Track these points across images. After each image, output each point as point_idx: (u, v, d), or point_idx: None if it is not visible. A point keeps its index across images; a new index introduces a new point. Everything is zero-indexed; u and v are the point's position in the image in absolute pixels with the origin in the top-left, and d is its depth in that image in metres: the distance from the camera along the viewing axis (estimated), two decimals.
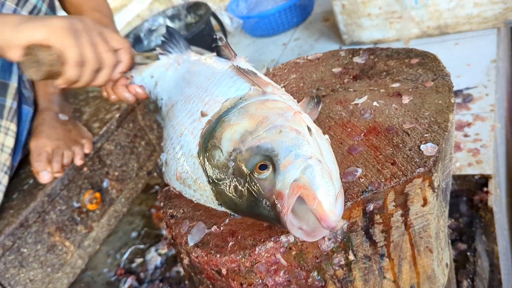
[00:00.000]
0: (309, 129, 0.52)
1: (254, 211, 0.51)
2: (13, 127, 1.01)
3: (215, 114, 0.58)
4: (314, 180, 0.47)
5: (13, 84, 1.01)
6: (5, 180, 0.98)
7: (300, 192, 0.46)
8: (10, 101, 1.00)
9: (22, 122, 1.06)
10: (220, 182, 0.53)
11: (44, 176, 1.00)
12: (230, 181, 0.52)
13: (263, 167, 0.49)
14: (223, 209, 0.55)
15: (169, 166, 0.62)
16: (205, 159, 0.55)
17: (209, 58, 0.72)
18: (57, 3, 1.13)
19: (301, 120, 0.53)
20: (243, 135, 0.53)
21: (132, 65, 0.76)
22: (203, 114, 0.60)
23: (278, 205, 0.47)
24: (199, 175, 0.56)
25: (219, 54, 0.70)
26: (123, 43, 0.71)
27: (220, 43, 0.68)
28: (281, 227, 0.49)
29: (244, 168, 0.51)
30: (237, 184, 0.51)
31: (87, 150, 1.07)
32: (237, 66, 0.64)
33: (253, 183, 0.50)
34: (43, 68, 0.62)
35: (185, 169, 0.58)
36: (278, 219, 0.47)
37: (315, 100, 0.65)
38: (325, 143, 0.52)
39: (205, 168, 0.55)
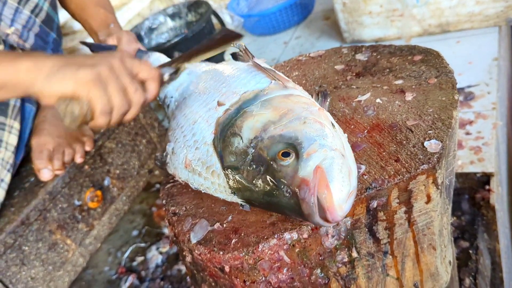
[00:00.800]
0: (333, 125, 0.52)
1: (271, 200, 0.50)
2: (16, 125, 1.01)
3: (234, 104, 0.58)
4: (331, 171, 0.46)
5: None
6: (7, 177, 0.98)
7: (320, 172, 0.46)
8: (13, 100, 1.00)
9: (25, 120, 1.06)
10: (236, 169, 0.52)
11: (45, 174, 1.00)
12: (248, 168, 0.51)
13: (285, 154, 0.49)
14: (234, 198, 0.55)
15: (176, 154, 0.62)
16: (222, 146, 0.54)
17: (228, 61, 0.73)
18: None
19: (325, 115, 0.53)
20: (265, 124, 0.52)
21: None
22: (219, 104, 0.60)
23: (302, 191, 0.46)
24: (213, 162, 0.55)
25: (236, 60, 0.72)
26: (151, 73, 0.68)
27: (239, 49, 0.69)
28: (298, 216, 0.49)
29: (265, 155, 0.50)
30: (255, 171, 0.51)
31: (88, 148, 1.06)
32: (256, 63, 0.63)
33: (274, 170, 0.49)
34: (77, 118, 0.63)
35: (196, 156, 0.58)
36: (298, 206, 0.47)
37: (322, 94, 0.64)
38: (346, 141, 0.52)
39: (221, 155, 0.54)
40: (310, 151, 0.48)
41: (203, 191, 0.59)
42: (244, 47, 0.69)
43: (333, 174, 0.46)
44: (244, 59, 0.69)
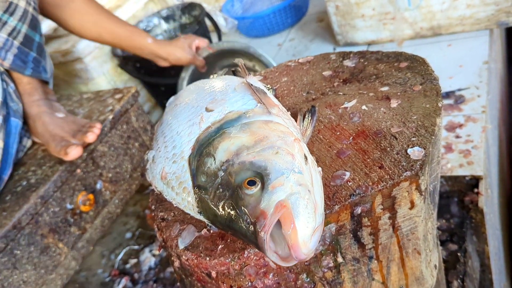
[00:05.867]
0: (305, 158, 0.52)
1: (232, 226, 0.50)
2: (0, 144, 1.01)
3: (216, 123, 0.58)
4: (297, 207, 0.46)
5: None
6: None
7: (283, 212, 0.46)
8: None
9: (12, 135, 1.06)
10: (205, 190, 0.53)
11: (72, 151, 1.02)
12: (215, 190, 0.51)
13: (251, 183, 0.49)
14: (201, 217, 0.55)
15: (156, 164, 0.62)
16: (196, 164, 0.55)
17: (224, 76, 0.75)
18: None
19: (300, 147, 0.53)
20: (239, 148, 0.52)
21: None
22: (208, 109, 0.60)
23: (258, 224, 0.46)
24: (186, 179, 0.56)
25: (235, 75, 0.73)
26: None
27: (238, 64, 0.70)
28: (256, 248, 0.49)
29: (232, 180, 0.50)
30: (222, 195, 0.51)
31: (98, 129, 1.09)
32: (248, 82, 0.64)
33: (238, 197, 0.49)
34: None
35: (172, 170, 0.58)
36: (255, 238, 0.47)
37: (310, 111, 0.64)
38: (317, 175, 0.52)
39: (194, 173, 0.55)
40: (275, 184, 0.48)
41: (174, 205, 0.60)
42: (242, 63, 0.70)
43: (299, 210, 0.46)
44: (241, 75, 0.70)
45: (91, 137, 1.06)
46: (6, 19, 1.00)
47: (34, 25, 1.07)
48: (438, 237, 0.81)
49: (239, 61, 0.70)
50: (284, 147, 0.52)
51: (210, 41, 1.99)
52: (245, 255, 0.54)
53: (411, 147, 0.57)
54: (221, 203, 0.51)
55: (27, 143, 1.15)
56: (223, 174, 0.52)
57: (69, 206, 1.06)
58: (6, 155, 1.04)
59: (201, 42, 1.47)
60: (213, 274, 0.56)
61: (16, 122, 1.06)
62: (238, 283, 0.56)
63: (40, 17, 1.15)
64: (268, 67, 1.46)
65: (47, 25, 1.84)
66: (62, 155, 1.02)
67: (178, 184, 0.57)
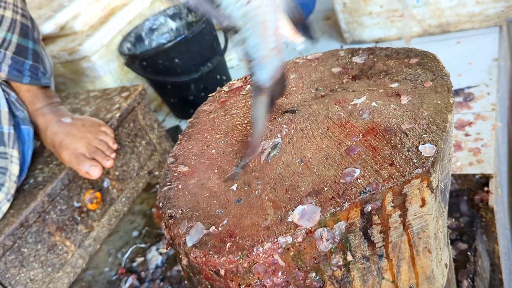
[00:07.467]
0: None
1: None
2: (15, 153, 1.01)
3: None
4: None
5: (4, 109, 1.01)
6: (5, 207, 0.98)
7: None
8: (6, 127, 1.00)
9: (26, 142, 1.06)
10: None
11: (94, 171, 1.02)
12: None
13: None
14: None
15: None
16: None
17: None
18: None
19: None
20: None
21: None
22: None
23: None
24: None
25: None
26: None
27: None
28: None
29: None
30: None
31: (114, 154, 1.09)
32: None
33: None
34: None
35: None
36: None
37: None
38: None
39: None
40: None
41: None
42: None
43: None
44: None
45: (108, 164, 1.07)
46: None
47: (25, 33, 1.06)
48: (448, 236, 0.80)
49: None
50: None
51: (217, 40, 1.99)
52: (254, 253, 0.53)
53: (422, 144, 0.56)
54: None
55: (36, 144, 1.16)
56: None
57: (76, 204, 1.06)
58: (23, 163, 1.05)
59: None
60: (222, 272, 0.56)
61: (27, 129, 1.06)
62: (246, 281, 0.56)
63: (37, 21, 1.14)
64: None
65: (53, 24, 1.84)
66: (83, 174, 1.04)
67: None
